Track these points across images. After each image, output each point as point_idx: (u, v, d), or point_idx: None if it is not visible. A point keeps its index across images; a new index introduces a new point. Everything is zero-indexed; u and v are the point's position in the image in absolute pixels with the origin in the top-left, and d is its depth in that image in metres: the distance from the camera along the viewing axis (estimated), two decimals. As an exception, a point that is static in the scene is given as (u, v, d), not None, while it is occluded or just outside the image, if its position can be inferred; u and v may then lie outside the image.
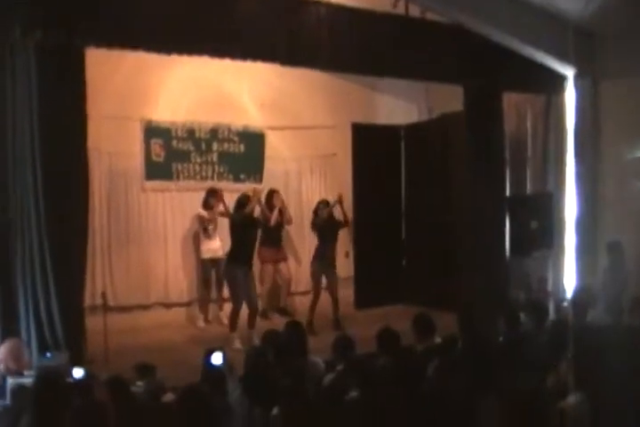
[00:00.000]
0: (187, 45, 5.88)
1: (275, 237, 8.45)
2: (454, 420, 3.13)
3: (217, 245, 8.14)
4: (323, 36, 6.48)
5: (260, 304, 7.86)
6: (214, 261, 8.14)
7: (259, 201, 7.44)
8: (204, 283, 8.26)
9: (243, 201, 7.23)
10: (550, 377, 3.93)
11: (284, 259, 8.73)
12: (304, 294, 9.08)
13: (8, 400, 4.40)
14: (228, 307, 8.09)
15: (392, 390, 3.65)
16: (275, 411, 3.55)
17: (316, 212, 8.05)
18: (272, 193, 8.35)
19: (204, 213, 8.11)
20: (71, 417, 3.13)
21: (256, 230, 7.45)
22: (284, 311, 8.52)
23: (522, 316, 5.73)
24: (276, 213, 8.15)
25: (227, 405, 3.65)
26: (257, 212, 7.56)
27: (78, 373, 4.39)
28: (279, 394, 3.56)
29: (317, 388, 3.98)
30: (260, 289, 7.95)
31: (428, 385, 3.74)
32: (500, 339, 5.24)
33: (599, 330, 5.31)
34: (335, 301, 7.89)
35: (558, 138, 8.23)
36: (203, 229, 8.16)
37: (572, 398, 3.57)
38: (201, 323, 8.09)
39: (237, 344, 6.81)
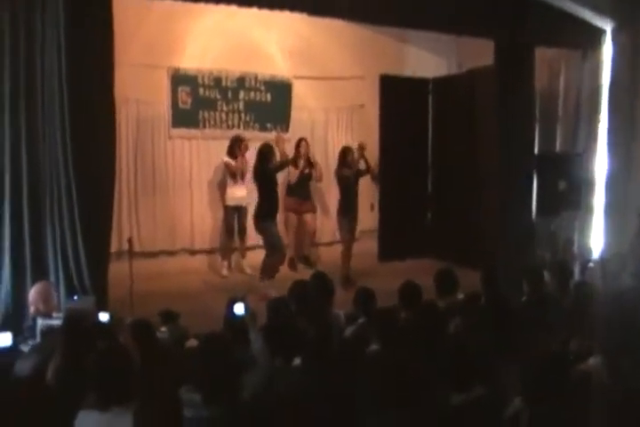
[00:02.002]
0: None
1: (301, 188, 8.42)
2: (474, 379, 3.14)
3: (242, 193, 8.15)
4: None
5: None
6: (238, 209, 8.17)
7: (282, 151, 7.33)
8: (227, 230, 8.30)
9: (265, 151, 7.17)
10: (573, 340, 3.91)
11: (310, 210, 8.71)
12: (329, 244, 9.22)
13: (38, 340, 4.55)
14: (250, 255, 8.24)
15: (412, 345, 3.68)
16: (296, 361, 3.60)
17: (341, 160, 7.89)
18: (299, 141, 8.33)
19: (229, 160, 8.09)
20: (95, 360, 3.18)
21: (273, 178, 7.31)
22: (306, 261, 8.58)
23: (546, 276, 5.71)
24: (302, 165, 8.10)
25: (248, 354, 3.71)
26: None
27: (104, 317, 4.47)
28: (301, 345, 3.61)
29: (338, 340, 4.03)
30: (285, 239, 7.96)
31: (448, 342, 3.75)
32: (523, 299, 5.22)
33: (623, 293, 5.30)
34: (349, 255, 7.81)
35: (592, 95, 8.00)
36: (229, 175, 8.15)
37: (592, 361, 3.57)
38: (224, 271, 8.15)
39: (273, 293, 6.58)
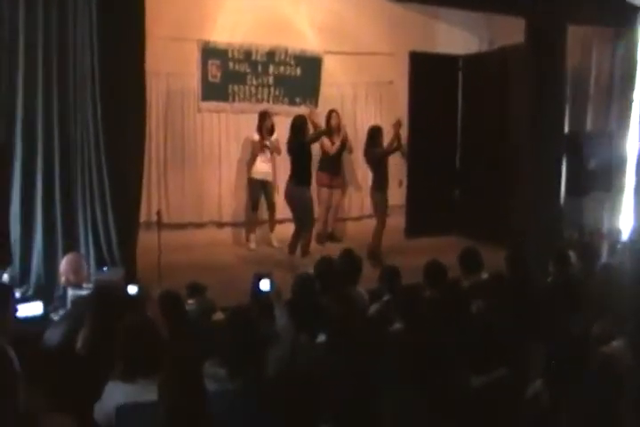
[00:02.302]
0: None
1: (333, 162, 8.38)
2: (495, 360, 3.16)
3: (268, 168, 8.17)
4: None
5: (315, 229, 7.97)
6: (264, 184, 8.19)
7: (314, 123, 7.37)
8: (253, 204, 8.31)
9: (299, 124, 7.14)
10: (598, 322, 3.91)
11: (340, 186, 8.70)
12: (357, 219, 9.29)
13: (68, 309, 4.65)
14: (279, 229, 8.29)
15: (436, 324, 3.71)
16: (320, 338, 3.65)
17: (369, 140, 7.78)
18: (331, 113, 8.32)
19: (256, 138, 8.10)
20: (123, 333, 3.26)
21: (308, 150, 7.26)
22: (331, 236, 8.59)
23: (573, 257, 5.68)
24: (338, 142, 8.17)
25: (273, 330, 3.77)
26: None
27: (132, 289, 4.55)
28: (325, 322, 3.66)
29: (362, 318, 4.07)
30: (317, 213, 8.00)
31: (471, 322, 3.78)
32: (549, 280, 5.21)
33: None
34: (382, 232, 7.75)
35: (624, 74, 7.87)
36: (256, 151, 8.13)
37: (616, 344, 3.58)
38: (252, 244, 8.20)
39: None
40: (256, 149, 8.12)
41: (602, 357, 3.34)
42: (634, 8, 7.57)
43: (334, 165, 8.42)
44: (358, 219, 9.38)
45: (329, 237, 8.57)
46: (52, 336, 4.01)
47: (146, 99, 5.84)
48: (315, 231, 7.85)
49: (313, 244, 7.45)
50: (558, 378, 3.02)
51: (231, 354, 3.19)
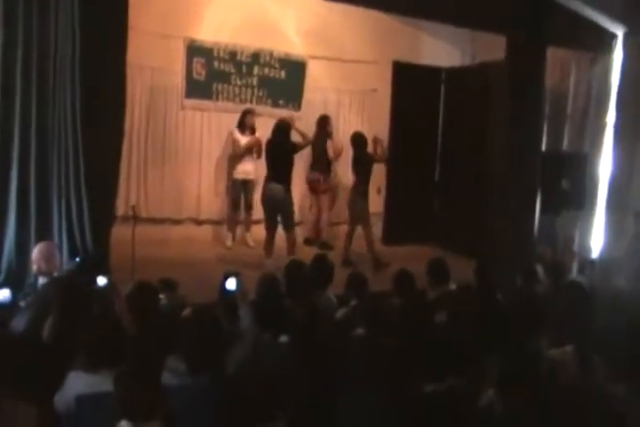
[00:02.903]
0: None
1: (322, 164, 8.54)
2: (449, 369, 3.25)
3: (250, 168, 8.22)
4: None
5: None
6: (245, 183, 8.25)
7: (301, 131, 7.58)
8: (233, 203, 8.37)
9: (285, 126, 7.27)
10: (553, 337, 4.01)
11: (328, 190, 8.83)
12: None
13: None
14: (255, 229, 8.31)
15: (397, 332, 3.78)
16: (283, 338, 3.71)
17: (357, 146, 7.90)
18: (327, 119, 8.54)
19: (238, 136, 8.18)
20: (87, 324, 3.30)
21: (291, 154, 7.32)
22: (323, 246, 8.55)
23: (541, 273, 5.80)
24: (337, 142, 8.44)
25: (237, 329, 3.83)
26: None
27: (102, 280, 4.57)
28: (288, 323, 3.72)
29: (327, 321, 4.13)
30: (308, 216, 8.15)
31: (434, 333, 3.86)
32: (512, 294, 5.31)
33: (613, 296, 5.40)
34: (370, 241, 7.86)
35: (600, 97, 8.03)
36: (238, 150, 8.21)
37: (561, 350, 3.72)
38: (228, 242, 8.27)
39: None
40: (237, 147, 8.19)
41: (550, 362, 3.45)
42: (611, 35, 7.73)
43: (326, 167, 8.60)
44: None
45: (321, 245, 8.57)
46: (18, 324, 4.04)
47: (126, 92, 5.82)
48: (306, 234, 7.99)
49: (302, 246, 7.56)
50: (509, 389, 3.10)
51: (192, 350, 3.24)
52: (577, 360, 3.57)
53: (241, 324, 3.91)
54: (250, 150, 8.17)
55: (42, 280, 4.76)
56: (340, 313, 4.55)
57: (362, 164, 7.83)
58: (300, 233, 8.50)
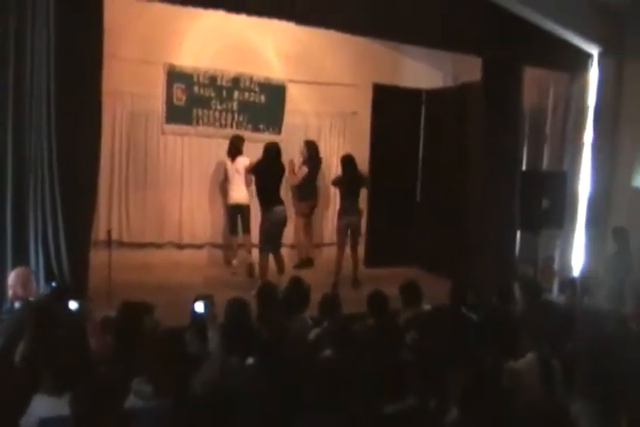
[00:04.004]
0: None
1: (310, 190, 8.64)
2: (407, 389, 3.28)
3: (243, 192, 8.26)
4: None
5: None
6: (240, 207, 8.29)
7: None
8: (230, 228, 8.44)
9: (275, 149, 7.37)
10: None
11: (311, 213, 8.94)
12: (329, 245, 9.39)
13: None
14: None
15: (366, 354, 3.80)
16: (250, 360, 3.73)
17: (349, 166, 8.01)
18: (314, 144, 8.74)
19: (229, 162, 8.25)
20: (53, 348, 3.32)
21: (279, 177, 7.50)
22: (307, 262, 8.71)
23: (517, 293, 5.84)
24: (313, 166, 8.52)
25: (205, 351, 3.85)
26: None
27: (73, 305, 4.58)
28: (255, 345, 3.75)
29: (295, 343, 4.17)
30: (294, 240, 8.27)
31: (400, 352, 3.89)
32: (485, 313, 5.34)
33: (592, 314, 5.43)
34: (357, 259, 8.00)
35: (578, 117, 8.14)
36: (230, 175, 8.29)
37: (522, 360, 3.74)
38: (234, 262, 8.37)
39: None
40: (229, 174, 8.27)
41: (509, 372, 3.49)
42: (587, 54, 7.87)
43: (310, 193, 8.69)
44: (330, 244, 9.47)
45: (303, 262, 8.69)
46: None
47: (101, 119, 5.89)
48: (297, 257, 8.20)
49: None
50: (471, 408, 3.13)
51: (157, 372, 3.26)
52: (540, 373, 3.60)
53: (209, 346, 3.93)
54: (238, 174, 8.22)
55: (17, 305, 4.78)
56: (313, 334, 4.57)
57: (354, 184, 7.94)
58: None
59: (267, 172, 7.32)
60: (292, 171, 8.39)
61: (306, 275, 6.89)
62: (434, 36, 7.05)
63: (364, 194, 8.53)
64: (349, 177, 7.94)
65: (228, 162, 8.28)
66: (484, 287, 6.40)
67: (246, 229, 8.31)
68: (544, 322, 4.70)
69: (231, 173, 8.25)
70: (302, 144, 8.85)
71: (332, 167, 9.32)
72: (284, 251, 8.11)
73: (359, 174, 8.03)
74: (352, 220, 7.93)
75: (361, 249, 8.42)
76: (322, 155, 9.32)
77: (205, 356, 3.80)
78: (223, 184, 8.56)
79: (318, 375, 3.28)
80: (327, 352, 3.97)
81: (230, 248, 8.54)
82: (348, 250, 7.98)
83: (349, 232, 7.95)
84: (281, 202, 7.35)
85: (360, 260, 8.12)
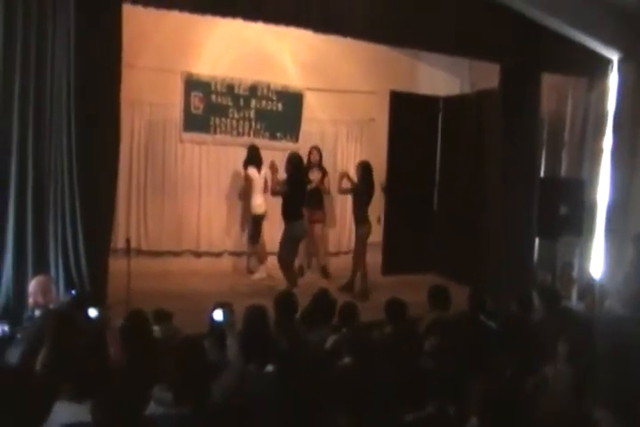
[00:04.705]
0: (220, 8, 5.95)
1: (313, 197, 8.49)
2: (427, 397, 3.26)
3: (260, 202, 8.27)
4: (358, 5, 6.41)
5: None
6: (257, 217, 8.31)
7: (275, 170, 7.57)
8: (254, 237, 8.40)
9: (297, 160, 7.41)
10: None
11: (320, 221, 8.82)
12: (335, 255, 9.43)
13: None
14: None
15: (383, 361, 3.80)
16: (269, 368, 3.74)
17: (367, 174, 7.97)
18: (311, 150, 8.57)
19: (252, 172, 8.22)
20: (73, 355, 3.35)
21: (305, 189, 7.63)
22: (323, 272, 8.70)
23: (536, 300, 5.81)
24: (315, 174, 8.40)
25: (224, 359, 3.86)
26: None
27: (93, 312, 4.61)
28: (274, 353, 3.75)
29: (314, 351, 4.17)
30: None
31: (419, 361, 3.88)
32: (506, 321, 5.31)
33: (612, 321, 5.39)
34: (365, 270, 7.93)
35: (598, 123, 8.07)
36: (253, 185, 8.27)
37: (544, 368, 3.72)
38: (257, 275, 8.29)
39: None
40: (251, 183, 8.24)
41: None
42: (606, 60, 7.81)
43: (313, 200, 8.50)
44: (335, 254, 9.52)
45: (321, 272, 8.68)
46: (13, 355, 4.09)
47: (120, 127, 5.93)
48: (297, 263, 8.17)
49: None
50: (492, 418, 3.11)
51: (177, 379, 3.27)
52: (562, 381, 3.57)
53: (228, 353, 3.94)
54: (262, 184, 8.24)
55: (38, 313, 4.82)
56: (330, 342, 4.57)
57: (370, 192, 7.94)
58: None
59: (295, 185, 7.36)
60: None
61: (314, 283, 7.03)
62: (451, 43, 7.03)
63: (379, 201, 8.54)
64: (367, 185, 7.89)
65: (254, 171, 8.22)
66: (502, 294, 6.40)
67: (261, 238, 8.38)
68: (564, 329, 4.68)
69: (256, 182, 8.22)
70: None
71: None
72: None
73: (373, 182, 7.98)
74: (367, 229, 7.90)
75: (373, 256, 8.41)
76: (338, 161, 9.36)
77: (224, 364, 3.81)
78: (246, 194, 8.49)
79: (337, 383, 3.28)
80: (346, 360, 3.96)
81: (254, 257, 8.52)
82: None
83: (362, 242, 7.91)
84: (303, 215, 7.45)
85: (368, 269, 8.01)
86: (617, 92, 7.88)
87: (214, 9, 6.00)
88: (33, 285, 4.95)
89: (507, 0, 6.91)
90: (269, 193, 7.99)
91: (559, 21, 7.10)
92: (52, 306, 4.89)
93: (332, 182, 8.72)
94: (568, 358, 4.03)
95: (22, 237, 5.55)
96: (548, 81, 8.00)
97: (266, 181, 8.14)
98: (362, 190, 7.88)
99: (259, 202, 8.27)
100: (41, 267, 5.56)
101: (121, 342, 4.12)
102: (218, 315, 4.12)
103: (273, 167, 7.56)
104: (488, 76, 8.40)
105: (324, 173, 8.62)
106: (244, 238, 8.64)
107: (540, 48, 7.35)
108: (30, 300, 4.93)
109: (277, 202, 7.57)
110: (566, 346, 4.18)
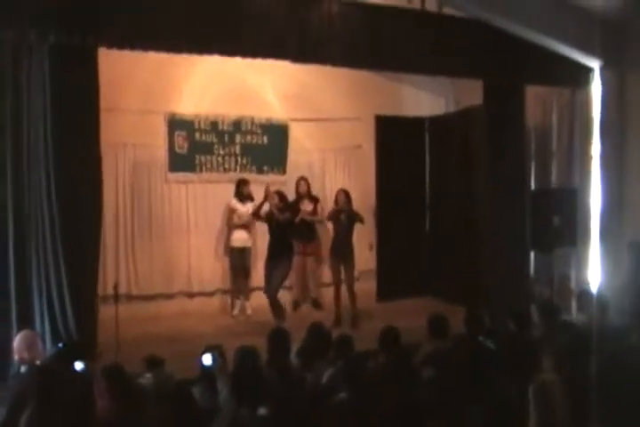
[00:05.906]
0: (196, 45, 5.91)
1: (303, 230, 8.28)
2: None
3: (246, 235, 8.19)
4: (335, 32, 6.38)
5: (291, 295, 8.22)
6: (243, 251, 8.19)
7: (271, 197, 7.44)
8: (236, 272, 8.25)
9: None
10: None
11: (314, 253, 8.63)
12: (328, 285, 9.16)
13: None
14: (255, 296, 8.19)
15: (379, 393, 3.67)
16: (261, 411, 3.61)
17: (336, 202, 7.88)
18: (299, 181, 8.42)
19: (238, 205, 8.15)
20: (60, 410, 3.25)
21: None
22: (315, 304, 8.52)
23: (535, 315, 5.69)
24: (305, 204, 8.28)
25: (215, 404, 3.74)
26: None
27: (79, 365, 4.51)
28: (266, 394, 3.63)
29: (311, 388, 4.05)
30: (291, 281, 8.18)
31: (420, 391, 3.76)
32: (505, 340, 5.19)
33: (613, 332, 5.27)
34: (352, 295, 7.72)
35: (584, 132, 8.01)
36: (236, 219, 8.19)
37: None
38: (235, 311, 8.13)
39: None
40: (233, 217, 8.17)
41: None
42: (588, 68, 7.80)
43: (305, 233, 8.32)
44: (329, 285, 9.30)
45: (312, 304, 8.52)
46: (-2, 413, 3.99)
47: (101, 171, 5.86)
48: (292, 298, 8.10)
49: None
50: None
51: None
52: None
53: (219, 396, 3.82)
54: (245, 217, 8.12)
55: (24, 369, 4.72)
56: (326, 375, 4.44)
57: (349, 219, 7.82)
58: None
59: (283, 220, 7.30)
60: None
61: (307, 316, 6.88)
62: (431, 64, 7.00)
63: (370, 228, 8.44)
64: (345, 212, 7.77)
65: (235, 203, 8.16)
66: (499, 311, 6.27)
67: (247, 273, 8.27)
68: (564, 344, 4.57)
69: (237, 214, 8.13)
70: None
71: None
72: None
73: (353, 210, 7.86)
74: (341, 257, 7.77)
75: (368, 284, 8.37)
76: (327, 189, 9.32)
77: (216, 409, 3.69)
78: (227, 227, 8.40)
79: (333, 419, 3.17)
80: (342, 395, 3.83)
81: (237, 292, 8.32)
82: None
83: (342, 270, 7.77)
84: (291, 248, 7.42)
85: (359, 295, 7.84)
86: (601, 99, 7.85)
87: (190, 47, 5.98)
88: (18, 340, 4.83)
89: (484, 16, 6.92)
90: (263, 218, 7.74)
91: (538, 34, 7.10)
92: (38, 362, 4.79)
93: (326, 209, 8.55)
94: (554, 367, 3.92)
95: (5, 291, 5.45)
96: (532, 92, 7.99)
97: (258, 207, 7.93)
98: (338, 217, 7.80)
99: (237, 235, 8.18)
100: (26, 321, 5.45)
101: (107, 396, 4.00)
102: (207, 359, 4.02)
103: (267, 192, 7.47)
104: (472, 92, 8.38)
105: (316, 201, 8.47)
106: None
107: (521, 61, 7.33)
108: (16, 356, 4.83)
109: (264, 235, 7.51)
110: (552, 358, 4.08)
